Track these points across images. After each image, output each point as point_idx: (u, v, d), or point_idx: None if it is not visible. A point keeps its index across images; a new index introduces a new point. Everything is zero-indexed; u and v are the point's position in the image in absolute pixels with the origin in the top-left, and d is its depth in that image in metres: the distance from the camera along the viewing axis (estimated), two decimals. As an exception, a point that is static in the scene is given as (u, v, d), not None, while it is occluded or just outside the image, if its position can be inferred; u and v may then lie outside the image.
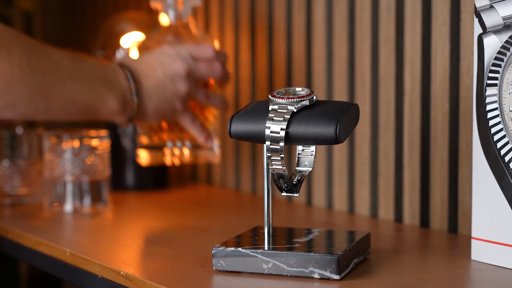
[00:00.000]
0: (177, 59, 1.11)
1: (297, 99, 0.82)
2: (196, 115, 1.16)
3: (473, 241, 0.86)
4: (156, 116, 1.11)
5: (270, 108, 0.82)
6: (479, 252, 0.86)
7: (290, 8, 1.22)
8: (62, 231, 1.09)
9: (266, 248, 0.82)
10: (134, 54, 1.24)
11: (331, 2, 1.15)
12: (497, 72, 0.82)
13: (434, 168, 1.03)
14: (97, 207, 1.17)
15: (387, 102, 1.08)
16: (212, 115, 1.22)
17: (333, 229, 0.92)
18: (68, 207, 1.16)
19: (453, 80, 1.00)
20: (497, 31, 0.82)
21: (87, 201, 1.17)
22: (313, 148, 0.88)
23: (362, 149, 1.12)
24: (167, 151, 1.19)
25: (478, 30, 0.84)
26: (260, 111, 0.84)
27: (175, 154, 1.20)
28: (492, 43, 0.83)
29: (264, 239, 0.86)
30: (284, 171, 0.81)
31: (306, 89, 0.84)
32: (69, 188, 1.16)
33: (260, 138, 0.82)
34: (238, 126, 0.84)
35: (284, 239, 0.86)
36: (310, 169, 0.88)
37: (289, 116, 0.81)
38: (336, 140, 0.80)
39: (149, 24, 1.34)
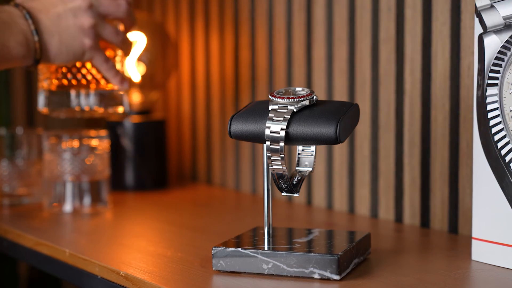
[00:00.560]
0: None
1: (297, 99, 0.82)
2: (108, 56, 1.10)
3: (473, 241, 0.86)
4: (62, 55, 1.04)
5: (270, 108, 0.82)
6: (480, 252, 0.86)
7: (290, 8, 1.21)
8: (61, 231, 1.09)
9: (266, 248, 0.82)
10: None
11: (331, 2, 1.15)
12: (498, 72, 0.82)
13: (434, 168, 1.03)
14: (96, 207, 1.17)
15: (387, 102, 1.08)
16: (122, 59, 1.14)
17: (333, 229, 0.92)
18: (68, 207, 1.16)
19: (454, 80, 1.00)
20: (497, 30, 0.82)
21: (86, 201, 1.17)
22: (313, 148, 0.88)
23: (362, 149, 1.12)
24: (71, 98, 1.11)
25: (478, 29, 0.84)
26: (260, 111, 0.84)
27: (79, 103, 1.11)
28: (493, 43, 0.82)
29: (264, 239, 0.86)
30: (284, 171, 0.81)
31: (306, 89, 0.84)
32: (69, 188, 1.16)
33: (260, 138, 0.82)
34: (238, 126, 0.84)
35: (284, 239, 0.86)
36: (310, 169, 0.88)
37: (289, 116, 0.81)
38: (336, 140, 0.80)
39: None
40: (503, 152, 0.82)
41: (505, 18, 0.82)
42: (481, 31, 0.83)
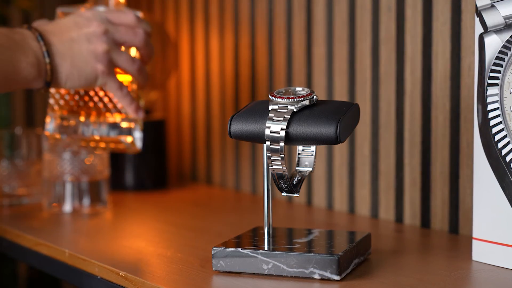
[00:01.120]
0: (93, 20, 1.05)
1: (297, 99, 0.82)
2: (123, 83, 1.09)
3: (474, 241, 0.86)
4: (74, 79, 1.04)
5: (270, 108, 0.82)
6: (480, 252, 0.85)
7: (290, 8, 1.21)
8: (61, 232, 1.09)
9: (266, 248, 0.82)
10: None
11: (331, 2, 1.15)
12: (498, 71, 0.82)
13: (435, 168, 1.02)
14: (96, 207, 1.17)
15: (387, 102, 1.08)
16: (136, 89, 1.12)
17: (334, 230, 0.91)
18: (67, 207, 1.16)
19: (454, 80, 0.99)
20: (498, 30, 0.82)
21: (86, 201, 1.16)
22: (313, 148, 0.88)
23: (362, 149, 1.12)
24: (81, 125, 1.11)
25: (479, 29, 0.84)
26: (260, 111, 0.83)
27: (88, 136, 1.11)
28: (493, 43, 0.82)
29: (264, 239, 0.85)
30: (284, 171, 0.81)
31: (306, 89, 0.84)
32: (68, 188, 1.16)
33: (260, 138, 0.82)
34: (238, 126, 0.83)
35: (284, 239, 0.86)
36: (310, 169, 0.87)
37: (289, 116, 0.81)
38: (336, 140, 0.80)
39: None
40: (504, 152, 0.82)
41: (505, 17, 0.81)
42: (482, 30, 0.83)
